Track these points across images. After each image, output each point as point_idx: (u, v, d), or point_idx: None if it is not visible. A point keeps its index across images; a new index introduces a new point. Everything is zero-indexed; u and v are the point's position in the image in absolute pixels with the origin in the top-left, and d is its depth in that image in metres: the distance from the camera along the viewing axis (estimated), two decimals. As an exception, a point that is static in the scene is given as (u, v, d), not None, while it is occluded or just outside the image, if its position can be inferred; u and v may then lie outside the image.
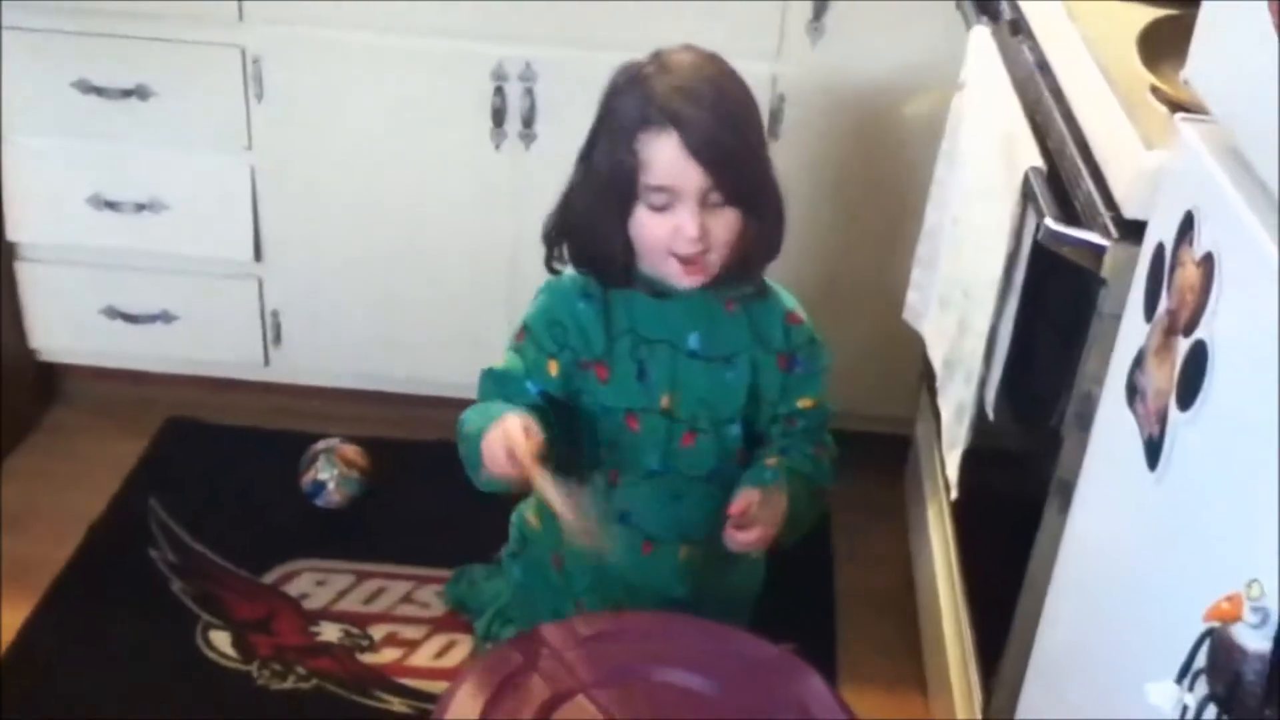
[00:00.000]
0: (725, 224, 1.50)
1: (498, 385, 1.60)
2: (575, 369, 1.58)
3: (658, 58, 1.53)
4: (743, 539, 1.52)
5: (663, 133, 1.46)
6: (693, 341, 1.58)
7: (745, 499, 1.53)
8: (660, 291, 1.57)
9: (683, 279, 1.52)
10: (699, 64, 1.51)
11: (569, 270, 1.62)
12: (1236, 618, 0.81)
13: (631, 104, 1.49)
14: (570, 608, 1.71)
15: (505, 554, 1.88)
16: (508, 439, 1.43)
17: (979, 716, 1.66)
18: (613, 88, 1.54)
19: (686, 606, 1.63)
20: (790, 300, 1.66)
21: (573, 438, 1.60)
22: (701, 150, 1.45)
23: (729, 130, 1.48)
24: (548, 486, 1.42)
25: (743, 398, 1.60)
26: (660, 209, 1.48)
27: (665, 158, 1.46)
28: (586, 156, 1.56)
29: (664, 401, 1.59)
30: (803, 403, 1.64)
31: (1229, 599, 0.82)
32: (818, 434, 1.68)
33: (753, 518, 1.52)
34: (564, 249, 1.60)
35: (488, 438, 1.47)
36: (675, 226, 1.48)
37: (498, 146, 2.23)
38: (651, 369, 1.57)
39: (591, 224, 1.54)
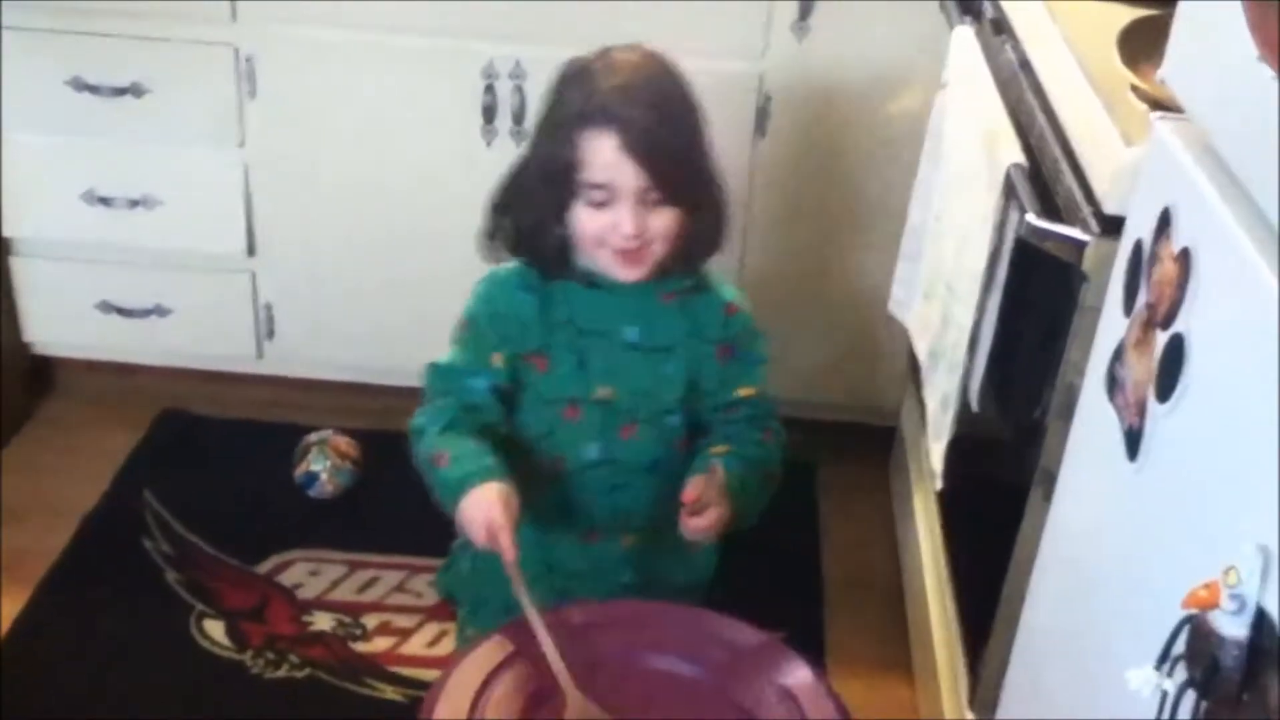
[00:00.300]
0: (664, 221, 1.48)
1: (444, 381, 1.58)
2: (519, 360, 1.57)
3: (605, 54, 1.52)
4: (698, 524, 1.49)
5: (602, 132, 1.44)
6: (631, 334, 1.56)
7: (695, 485, 1.51)
8: (596, 283, 1.55)
9: (621, 271, 1.51)
10: (642, 64, 1.50)
11: (508, 262, 1.60)
12: (1214, 605, 0.82)
13: (575, 99, 1.48)
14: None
15: (455, 546, 1.85)
16: (489, 522, 1.43)
17: (964, 701, 1.67)
18: (560, 80, 1.53)
19: (634, 594, 1.62)
20: (730, 291, 1.64)
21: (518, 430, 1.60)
22: (639, 150, 1.43)
23: (668, 130, 1.46)
24: (518, 582, 1.41)
25: (681, 389, 1.59)
26: (599, 205, 1.46)
27: (603, 157, 1.44)
28: (534, 143, 1.55)
29: (603, 392, 1.57)
30: (743, 391, 1.62)
31: (1207, 586, 0.83)
32: (763, 420, 1.65)
33: (705, 502, 1.50)
34: (503, 231, 1.58)
35: (467, 510, 1.46)
36: (613, 223, 1.46)
37: (489, 143, 2.23)
38: (591, 360, 1.56)
39: (531, 211, 1.52)
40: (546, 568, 1.61)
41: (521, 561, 1.65)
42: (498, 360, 1.56)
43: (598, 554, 1.63)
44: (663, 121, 1.46)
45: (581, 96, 1.47)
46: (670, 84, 1.50)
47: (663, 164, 1.45)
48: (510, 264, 1.60)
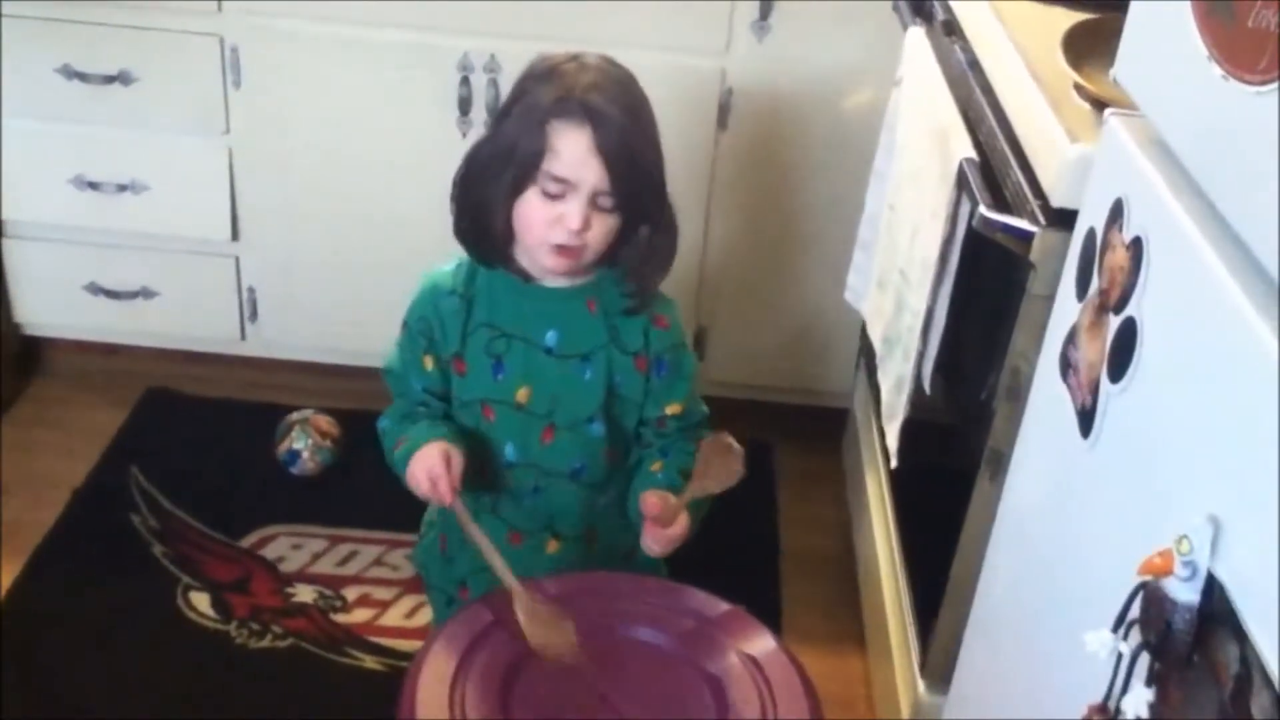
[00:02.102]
0: (605, 228, 1.43)
1: (395, 383, 1.57)
2: (444, 363, 1.53)
3: (576, 57, 1.46)
4: (672, 533, 1.45)
5: (578, 127, 1.39)
6: (550, 339, 1.50)
7: (657, 498, 1.44)
8: (527, 282, 1.50)
9: (551, 262, 1.45)
10: (612, 70, 1.46)
11: (445, 263, 1.56)
12: (1168, 572, 0.82)
13: (550, 91, 1.42)
14: (456, 590, 1.65)
15: (425, 521, 1.80)
16: (430, 471, 1.42)
17: (916, 671, 1.68)
18: (529, 75, 1.47)
19: None
20: (662, 305, 1.56)
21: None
22: (610, 151, 1.39)
23: (637, 138, 1.42)
24: (466, 521, 1.41)
25: (599, 397, 1.52)
26: (552, 196, 1.41)
27: (573, 152, 1.39)
28: (495, 127, 1.49)
29: (520, 395, 1.51)
30: (670, 408, 1.55)
31: (1161, 554, 0.83)
32: (694, 432, 1.59)
33: (671, 511, 1.44)
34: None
35: (412, 467, 1.45)
36: (560, 215, 1.41)
37: (464, 134, 2.21)
38: (508, 363, 1.51)
39: (482, 191, 1.46)
40: (478, 565, 1.57)
41: (458, 557, 1.63)
42: (428, 363, 1.53)
43: (522, 556, 1.56)
44: (634, 129, 1.42)
45: (556, 90, 1.41)
46: (638, 97, 1.46)
47: (626, 170, 1.40)
48: (446, 266, 1.54)
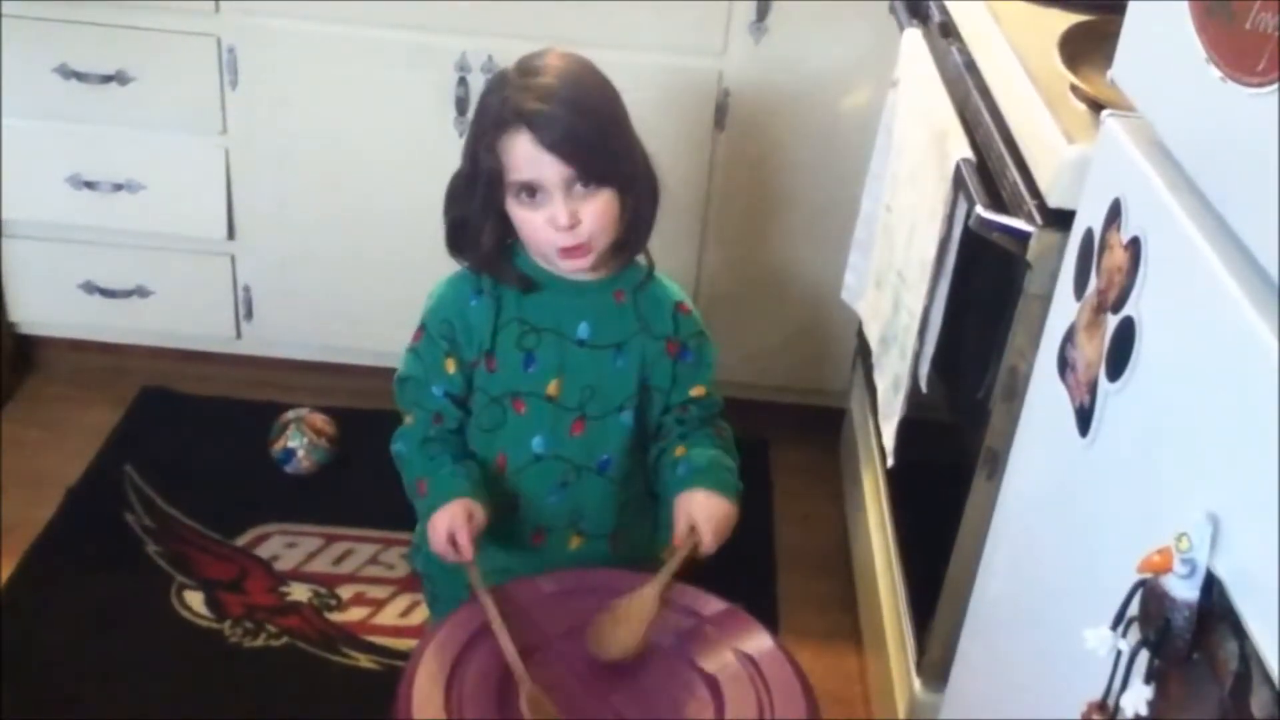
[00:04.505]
0: (599, 206, 1.43)
1: (410, 392, 1.56)
2: (468, 365, 1.53)
3: (523, 60, 1.48)
4: (711, 540, 1.47)
5: (517, 133, 1.41)
6: (582, 331, 1.52)
7: (683, 527, 1.47)
8: (542, 285, 1.51)
9: (566, 264, 1.47)
10: (558, 65, 1.46)
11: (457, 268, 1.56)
12: (1167, 569, 0.82)
13: (492, 106, 1.45)
14: (466, 593, 1.65)
15: (411, 549, 1.81)
16: (451, 526, 1.44)
17: (912, 669, 1.68)
18: (484, 89, 1.50)
19: None
20: (679, 292, 1.60)
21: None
22: (556, 143, 1.40)
23: (581, 119, 1.42)
24: (476, 582, 1.41)
25: (633, 384, 1.54)
26: (532, 201, 1.43)
27: (522, 155, 1.41)
28: (465, 151, 1.51)
29: (551, 388, 1.52)
30: (695, 391, 1.58)
31: (1160, 552, 0.83)
32: (713, 418, 1.62)
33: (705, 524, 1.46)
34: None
35: (431, 522, 1.46)
36: (549, 216, 1.43)
37: (461, 134, 2.21)
38: (539, 356, 1.52)
39: (463, 214, 1.49)
40: (502, 570, 1.57)
41: (463, 567, 1.63)
42: (450, 367, 1.53)
43: (544, 556, 1.57)
44: (576, 112, 1.42)
45: (498, 102, 1.44)
46: (585, 76, 1.47)
47: (581, 151, 1.41)
48: (465, 270, 1.55)
